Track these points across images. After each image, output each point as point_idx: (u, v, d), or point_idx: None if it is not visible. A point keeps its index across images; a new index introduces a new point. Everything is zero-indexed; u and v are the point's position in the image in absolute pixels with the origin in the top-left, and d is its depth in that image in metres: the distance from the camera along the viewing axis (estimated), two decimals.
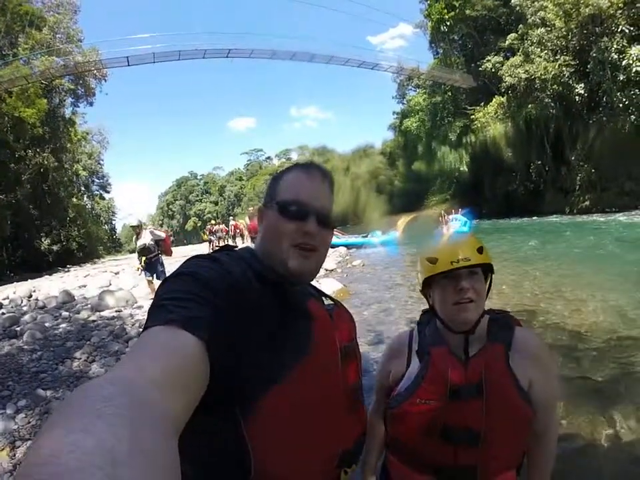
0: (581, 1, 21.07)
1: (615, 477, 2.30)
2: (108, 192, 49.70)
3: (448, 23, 27.33)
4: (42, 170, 24.76)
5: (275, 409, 0.65)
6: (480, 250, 1.05)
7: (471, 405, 1.01)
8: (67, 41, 26.10)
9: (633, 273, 7.02)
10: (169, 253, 7.92)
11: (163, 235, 7.49)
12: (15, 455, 2.86)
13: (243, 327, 0.62)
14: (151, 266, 7.22)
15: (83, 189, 41.63)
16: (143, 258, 7.16)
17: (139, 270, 7.45)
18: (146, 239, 7.20)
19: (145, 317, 0.60)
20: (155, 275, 7.23)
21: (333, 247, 15.29)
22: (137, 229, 7.33)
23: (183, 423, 0.46)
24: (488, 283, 1.12)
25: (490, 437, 1.01)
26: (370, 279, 9.36)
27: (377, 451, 1.22)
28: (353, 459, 0.81)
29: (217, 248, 0.82)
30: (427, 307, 1.18)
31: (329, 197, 0.85)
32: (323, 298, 0.90)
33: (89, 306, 7.03)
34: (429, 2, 28.49)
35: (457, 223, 17.72)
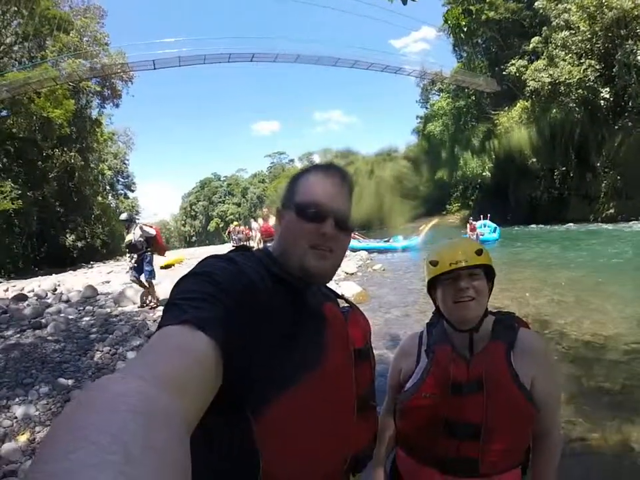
0: (605, 3, 20.61)
1: None
2: (132, 191, 50.94)
3: (465, 29, 27.06)
4: (68, 168, 25.56)
5: (286, 411, 0.64)
6: (479, 252, 1.10)
7: (472, 399, 1.06)
8: (94, 44, 26.95)
9: None
10: (162, 252, 7.48)
11: (153, 231, 6.89)
12: (34, 439, 2.95)
13: (256, 328, 0.62)
14: (139, 265, 6.73)
15: (108, 187, 42.80)
16: (134, 256, 6.75)
17: (128, 270, 7.01)
18: (135, 235, 6.74)
19: None
20: (142, 274, 6.73)
21: (354, 250, 15.13)
22: (127, 224, 6.93)
23: (195, 422, 0.46)
24: (491, 283, 1.16)
25: (491, 431, 1.05)
26: (390, 283, 9.33)
27: (386, 446, 1.25)
28: (361, 463, 0.81)
29: (233, 248, 0.82)
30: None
31: (348, 199, 0.84)
32: (339, 300, 0.90)
33: (112, 301, 7.19)
34: (450, 6, 28.37)
35: (486, 229, 17.30)
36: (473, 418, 1.05)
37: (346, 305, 0.90)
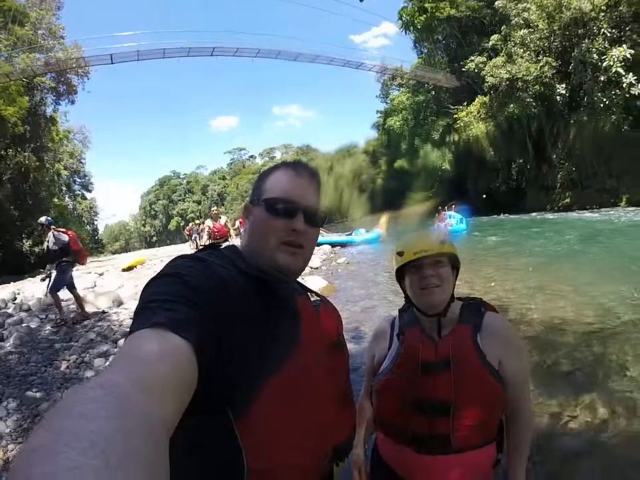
0: (564, 4, 21.57)
1: (586, 462, 2.41)
2: (90, 191, 48.74)
3: (419, 27, 27.57)
4: (23, 169, 24.20)
5: (266, 407, 0.64)
6: (442, 242, 1.18)
7: (440, 378, 1.14)
8: (49, 37, 25.57)
9: (608, 268, 7.29)
10: (82, 260, 6.60)
11: (65, 237, 6.11)
12: (8, 459, 2.87)
13: (229, 327, 0.62)
14: (55, 275, 6.05)
15: (64, 188, 40.79)
16: (50, 266, 6.10)
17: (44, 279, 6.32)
18: (49, 242, 6.04)
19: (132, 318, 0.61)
20: (55, 286, 6.07)
21: (318, 245, 15.31)
22: (43, 229, 6.20)
23: (173, 425, 0.46)
24: (456, 270, 1.24)
25: (460, 407, 1.12)
26: (354, 276, 9.46)
27: (365, 428, 1.33)
28: (344, 452, 0.83)
29: (201, 247, 0.82)
30: None
31: (317, 195, 0.85)
32: (309, 294, 0.91)
33: (76, 307, 6.96)
34: (406, 4, 29.15)
35: (453, 220, 17.44)
36: (442, 395, 1.12)
37: (317, 298, 0.91)
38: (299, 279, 0.92)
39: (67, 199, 40.45)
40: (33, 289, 9.42)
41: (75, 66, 25.14)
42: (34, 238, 25.35)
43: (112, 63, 23.75)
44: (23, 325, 6.00)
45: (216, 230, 9.08)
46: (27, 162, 24.08)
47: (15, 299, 7.96)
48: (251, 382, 0.64)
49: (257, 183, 0.86)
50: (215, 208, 9.69)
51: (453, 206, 18.82)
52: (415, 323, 1.24)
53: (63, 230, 6.36)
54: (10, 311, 7.04)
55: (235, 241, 8.83)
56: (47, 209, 28.09)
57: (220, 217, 9.58)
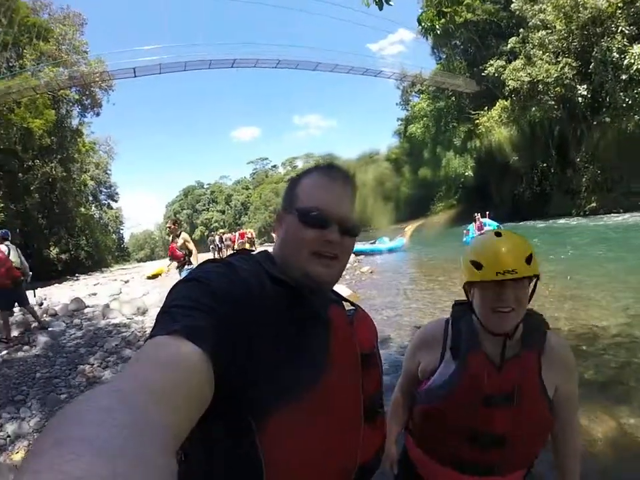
0: (580, 3, 21.17)
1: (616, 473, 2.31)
2: (116, 201, 50.33)
3: (438, 32, 27.50)
4: (50, 180, 25.12)
5: (289, 420, 0.61)
6: (528, 260, 1.00)
7: (501, 411, 1.04)
8: (73, 52, 26.58)
9: (636, 275, 7.00)
10: (6, 283, 5.53)
11: None
12: None
13: (251, 334, 0.60)
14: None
15: (90, 198, 42.16)
16: None
17: None
18: None
19: None
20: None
21: None
22: None
23: (183, 436, 0.45)
24: (532, 289, 1.07)
25: (514, 442, 1.05)
26: (378, 285, 9.39)
27: (398, 427, 1.28)
28: (371, 471, 0.78)
29: (233, 252, 0.79)
30: (452, 298, 1.23)
31: (351, 201, 0.80)
32: (344, 303, 0.85)
33: (101, 313, 7.10)
34: (424, 9, 28.46)
35: (488, 229, 16.81)
36: (500, 429, 1.04)
37: (351, 307, 0.85)
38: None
39: (93, 208, 41.77)
40: (60, 294, 9.68)
41: (98, 79, 25.98)
42: (61, 246, 26.20)
43: (135, 76, 24.42)
44: (49, 329, 6.13)
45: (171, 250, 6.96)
46: (53, 172, 24.97)
47: (42, 304, 8.17)
48: (274, 393, 0.61)
49: (289, 188, 0.82)
50: (172, 223, 7.08)
51: (488, 213, 17.63)
52: (478, 344, 1.09)
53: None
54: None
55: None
56: (74, 219, 29.06)
57: (178, 236, 6.80)
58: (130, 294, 9.06)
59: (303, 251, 0.74)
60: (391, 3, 3.72)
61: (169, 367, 0.47)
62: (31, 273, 6.29)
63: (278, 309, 0.65)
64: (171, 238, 6.95)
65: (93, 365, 4.69)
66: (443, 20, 6.01)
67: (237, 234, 17.27)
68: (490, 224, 16.37)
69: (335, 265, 0.76)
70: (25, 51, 23.16)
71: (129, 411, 0.36)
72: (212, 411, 0.52)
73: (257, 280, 0.65)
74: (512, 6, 25.70)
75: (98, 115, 31.94)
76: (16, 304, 5.93)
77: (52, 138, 23.64)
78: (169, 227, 7.01)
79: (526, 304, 1.04)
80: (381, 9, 3.86)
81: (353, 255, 11.46)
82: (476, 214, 16.00)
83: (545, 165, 26.48)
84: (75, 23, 27.77)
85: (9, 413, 3.45)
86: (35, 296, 7.67)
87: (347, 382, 0.71)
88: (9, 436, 3.14)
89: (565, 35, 22.91)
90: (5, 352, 5.11)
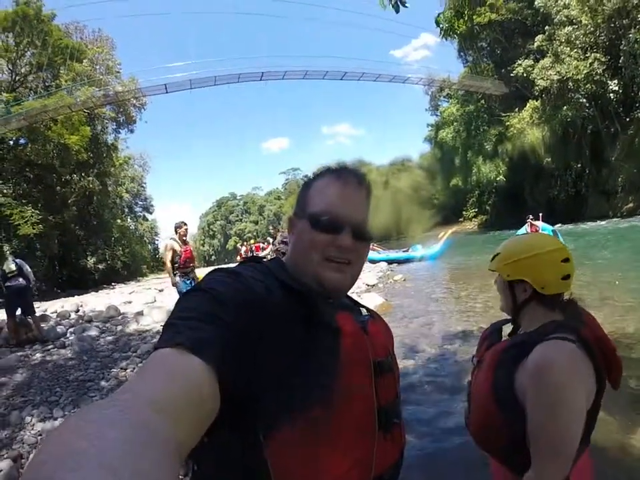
0: None
1: None
2: (151, 213, 52.29)
3: (458, 32, 27.03)
4: (87, 193, 26.31)
5: (298, 432, 0.59)
6: (492, 258, 1.21)
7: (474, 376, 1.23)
8: (106, 72, 27.91)
9: None
10: None
11: None
12: None
13: (258, 344, 0.58)
14: None
15: (126, 210, 43.92)
16: None
17: None
18: None
19: None
20: None
21: (373, 262, 15.03)
22: None
23: (187, 450, 0.45)
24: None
25: (472, 401, 1.16)
26: (411, 293, 9.25)
27: None
28: None
29: (242, 260, 0.78)
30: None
31: (365, 205, 0.78)
32: (360, 309, 0.84)
33: (135, 320, 7.33)
34: (442, 10, 27.92)
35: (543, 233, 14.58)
36: (472, 386, 1.19)
37: (366, 313, 0.83)
38: (355, 297, 0.85)
39: (128, 220, 43.44)
40: (95, 302, 10.06)
41: (131, 97, 27.09)
42: (98, 256, 27.33)
43: (166, 92, 25.33)
44: (84, 334, 6.39)
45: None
46: (90, 186, 26.14)
47: (78, 310, 8.52)
48: (281, 403, 0.59)
49: (302, 192, 0.80)
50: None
51: (541, 215, 15.76)
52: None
53: None
54: (73, 321, 7.56)
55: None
56: (110, 230, 30.32)
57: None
58: (164, 302, 9.29)
59: (315, 256, 0.72)
60: (406, 5, 3.72)
61: (172, 380, 0.47)
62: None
63: (286, 318, 0.63)
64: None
65: (126, 369, 4.82)
66: (465, 21, 5.91)
67: (251, 245, 14.59)
68: (544, 228, 14.76)
69: (348, 271, 0.75)
70: (60, 71, 24.47)
71: (130, 424, 0.36)
72: (220, 422, 0.52)
73: (265, 288, 0.64)
74: (536, 3, 25.13)
75: (132, 131, 33.29)
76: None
77: (88, 153, 24.75)
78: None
79: (505, 295, 1.18)
80: (397, 11, 3.86)
81: (385, 264, 11.15)
82: (529, 218, 14.14)
83: (579, 165, 25.56)
84: (106, 46, 29.20)
85: (42, 413, 3.59)
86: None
87: (358, 391, 0.67)
88: (40, 435, 3.27)
89: (592, 29, 22.23)
90: (39, 354, 5.37)
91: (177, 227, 6.06)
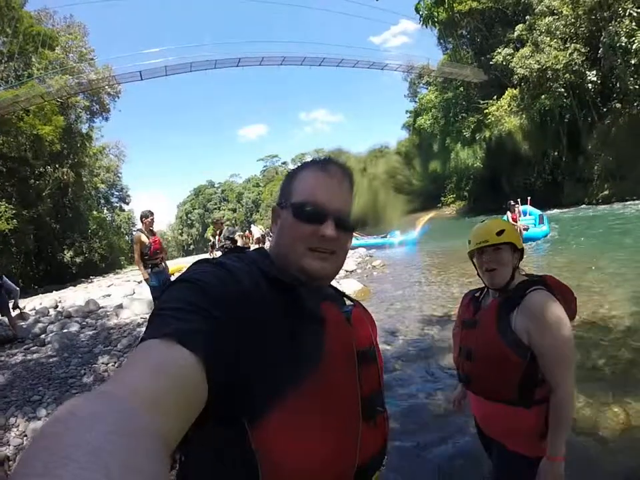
0: None
1: (621, 466, 2.27)
2: (127, 204, 51.18)
3: (439, 20, 27.05)
4: (62, 185, 25.55)
5: (283, 421, 0.60)
6: (499, 233, 1.41)
7: (469, 331, 1.49)
8: (79, 60, 26.91)
9: None
10: None
11: None
12: None
13: (244, 335, 0.58)
14: None
15: (102, 201, 42.88)
16: None
17: None
18: None
19: None
20: None
21: (352, 248, 15.21)
22: None
23: (175, 442, 0.45)
24: (520, 254, 1.48)
25: (476, 357, 1.41)
26: (390, 278, 9.35)
27: None
28: (370, 472, 0.75)
29: (226, 250, 0.77)
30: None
31: (349, 196, 0.79)
32: (344, 299, 0.85)
33: (115, 313, 7.19)
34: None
35: (529, 219, 13.76)
36: (469, 343, 1.45)
37: (350, 303, 0.85)
38: (334, 283, 0.86)
39: (105, 211, 42.45)
40: (74, 296, 9.83)
41: (105, 85, 26.20)
42: (75, 249, 26.65)
43: (141, 80, 24.56)
44: (64, 330, 6.23)
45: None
46: (65, 177, 25.40)
47: (57, 306, 8.31)
48: (268, 394, 0.60)
49: (285, 183, 0.81)
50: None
51: (529, 199, 15.16)
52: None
53: None
54: (52, 317, 7.36)
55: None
56: (87, 222, 29.54)
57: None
58: (143, 294, 9.13)
59: (299, 246, 0.73)
60: None
61: (159, 372, 0.47)
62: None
63: (271, 309, 0.64)
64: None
65: (107, 364, 4.74)
66: (441, 8, 5.89)
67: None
68: (532, 212, 14.42)
69: (331, 260, 0.75)
70: (32, 60, 23.51)
71: (119, 416, 0.36)
72: (207, 413, 0.52)
73: (250, 279, 0.64)
74: None
75: (107, 119, 32.43)
76: None
77: (62, 144, 23.99)
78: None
79: (508, 264, 1.42)
80: None
81: (364, 249, 11.23)
82: (512, 202, 12.71)
83: (556, 153, 26.02)
84: (79, 33, 28.14)
85: (26, 413, 3.50)
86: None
87: (342, 380, 0.69)
88: (25, 435, 3.19)
89: (572, 20, 22.47)
90: (20, 354, 5.21)
91: (143, 217, 5.78)
